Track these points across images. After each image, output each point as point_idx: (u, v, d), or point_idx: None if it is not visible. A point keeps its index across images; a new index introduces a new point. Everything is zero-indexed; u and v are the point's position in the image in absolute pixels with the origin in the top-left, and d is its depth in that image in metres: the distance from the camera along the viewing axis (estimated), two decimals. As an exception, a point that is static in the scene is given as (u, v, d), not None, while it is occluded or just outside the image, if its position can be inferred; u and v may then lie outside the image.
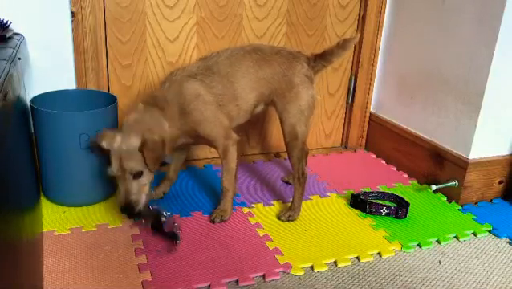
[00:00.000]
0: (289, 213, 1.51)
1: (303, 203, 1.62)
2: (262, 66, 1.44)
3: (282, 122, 1.48)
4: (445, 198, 1.71)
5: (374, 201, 1.59)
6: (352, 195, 1.60)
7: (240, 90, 1.42)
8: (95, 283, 1.16)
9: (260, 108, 1.52)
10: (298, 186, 1.50)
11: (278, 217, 1.51)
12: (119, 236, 1.36)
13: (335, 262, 1.31)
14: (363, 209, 1.56)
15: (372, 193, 1.67)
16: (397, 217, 1.54)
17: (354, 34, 1.41)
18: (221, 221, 1.46)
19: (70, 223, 1.41)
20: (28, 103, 1.43)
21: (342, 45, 1.42)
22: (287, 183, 1.76)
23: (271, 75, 1.44)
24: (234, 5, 1.74)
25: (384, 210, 1.54)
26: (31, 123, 1.44)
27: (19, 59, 1.17)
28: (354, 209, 1.59)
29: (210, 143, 1.45)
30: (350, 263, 1.31)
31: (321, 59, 1.47)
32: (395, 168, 1.96)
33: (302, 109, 1.45)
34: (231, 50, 1.45)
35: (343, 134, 2.15)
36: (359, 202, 1.57)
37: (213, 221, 1.46)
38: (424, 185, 1.80)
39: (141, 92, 1.73)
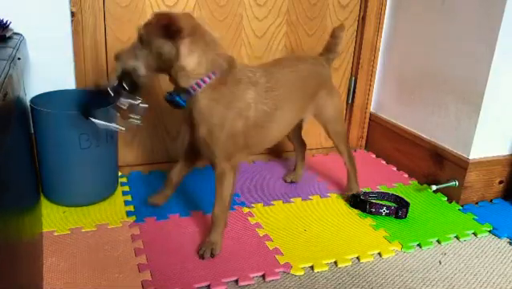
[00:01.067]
0: (348, 191, 1.65)
1: (303, 203, 1.62)
2: (303, 86, 1.45)
3: (325, 124, 1.57)
4: (445, 198, 1.71)
5: (374, 201, 1.59)
6: (353, 195, 1.60)
7: (279, 116, 1.34)
8: (94, 283, 1.16)
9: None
10: (351, 165, 1.65)
11: (346, 195, 1.64)
12: (119, 236, 1.36)
13: (335, 262, 1.31)
14: (363, 210, 1.56)
15: (372, 193, 1.67)
16: (397, 217, 1.54)
17: (340, 24, 1.57)
18: (212, 255, 1.27)
19: (70, 223, 1.41)
20: (28, 103, 1.43)
21: (333, 34, 1.54)
22: (291, 182, 1.77)
23: (311, 89, 1.48)
24: (234, 5, 1.74)
25: (384, 210, 1.54)
26: (31, 123, 1.44)
27: (19, 58, 1.17)
28: (354, 209, 1.59)
29: (209, 157, 1.28)
30: (350, 263, 1.31)
31: (329, 54, 1.56)
32: (395, 168, 1.96)
33: (341, 107, 1.57)
34: (275, 65, 1.40)
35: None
36: (359, 202, 1.57)
37: (201, 257, 1.27)
38: (425, 185, 1.80)
39: (141, 92, 1.73)
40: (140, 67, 1.20)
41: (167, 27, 1.13)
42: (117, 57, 1.24)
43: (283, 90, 1.34)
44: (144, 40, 1.18)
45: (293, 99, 1.39)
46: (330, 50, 1.55)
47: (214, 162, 1.27)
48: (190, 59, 1.18)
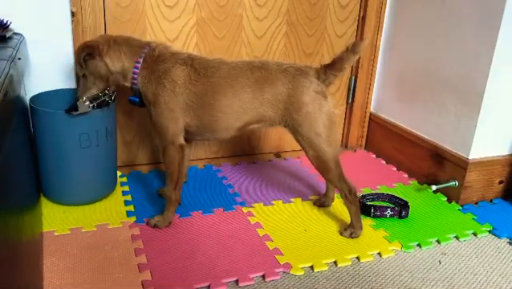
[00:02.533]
0: (350, 230, 1.43)
1: (303, 203, 1.62)
2: (262, 86, 1.33)
3: (302, 147, 1.38)
4: (445, 198, 1.71)
5: (378, 204, 1.59)
6: None
7: (224, 105, 1.34)
8: (94, 283, 1.16)
9: (256, 127, 1.41)
10: (349, 205, 1.41)
11: (341, 233, 1.44)
12: (119, 236, 1.36)
13: (335, 262, 1.31)
14: (367, 214, 1.54)
15: (369, 195, 1.65)
16: (401, 217, 1.54)
17: (365, 36, 1.29)
18: (154, 226, 1.41)
19: (70, 223, 1.41)
20: (28, 102, 1.43)
21: (351, 49, 1.29)
22: (320, 206, 1.61)
23: (273, 96, 1.33)
24: (234, 5, 1.74)
25: (388, 212, 1.53)
26: (31, 123, 1.44)
27: (19, 58, 1.17)
28: (354, 209, 1.59)
29: (157, 133, 1.40)
30: (350, 263, 1.31)
31: (332, 69, 1.32)
32: (395, 168, 1.96)
33: (318, 131, 1.33)
34: (238, 62, 1.38)
35: (343, 134, 2.15)
36: (362, 207, 1.53)
37: (148, 223, 1.42)
38: (425, 185, 1.80)
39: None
40: (96, 92, 1.41)
41: (89, 52, 1.35)
42: (78, 97, 1.42)
43: (223, 81, 1.34)
44: (84, 72, 1.38)
45: (240, 95, 1.34)
46: (337, 67, 1.32)
47: (160, 140, 1.39)
48: (116, 63, 1.37)
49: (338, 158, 1.39)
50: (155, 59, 1.36)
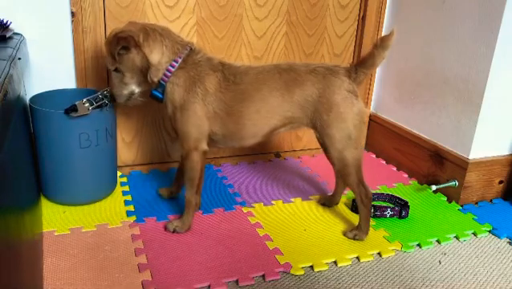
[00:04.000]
0: (355, 232, 1.41)
1: (303, 203, 1.62)
2: (291, 88, 1.30)
3: (326, 148, 1.35)
4: (445, 198, 1.71)
5: (378, 204, 1.59)
6: (353, 200, 1.58)
7: (252, 112, 1.30)
8: (94, 283, 1.16)
9: (283, 130, 1.38)
10: (362, 208, 1.38)
11: (344, 233, 1.43)
12: (119, 236, 1.36)
13: (335, 262, 1.31)
14: None
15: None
16: (401, 217, 1.54)
17: (391, 30, 1.24)
18: (174, 231, 1.38)
19: (70, 223, 1.41)
20: (28, 102, 1.43)
21: (381, 44, 1.26)
22: (323, 205, 1.62)
23: (303, 98, 1.30)
24: (234, 5, 1.74)
25: (388, 212, 1.54)
26: (31, 122, 1.44)
27: (19, 58, 1.17)
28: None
29: (179, 137, 1.37)
30: (350, 263, 1.31)
31: (362, 67, 1.30)
32: (395, 168, 1.96)
33: (349, 131, 1.29)
34: (265, 67, 1.35)
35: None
36: None
37: (165, 228, 1.40)
38: (424, 185, 1.80)
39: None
40: (135, 88, 1.37)
41: (125, 45, 1.27)
42: (112, 92, 1.39)
43: (251, 87, 1.31)
44: (118, 65, 1.31)
45: (269, 99, 1.31)
46: (368, 64, 1.29)
47: (182, 145, 1.35)
48: (155, 55, 1.29)
49: (360, 162, 1.35)
50: (195, 62, 1.31)
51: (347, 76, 1.31)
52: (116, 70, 1.33)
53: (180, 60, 1.30)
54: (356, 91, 1.31)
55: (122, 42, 1.26)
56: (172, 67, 1.29)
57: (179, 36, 1.35)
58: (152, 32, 1.29)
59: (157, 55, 1.29)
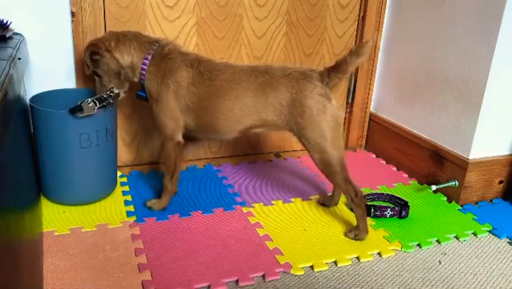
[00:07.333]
0: (356, 232, 1.42)
1: (303, 203, 1.62)
2: (265, 90, 1.33)
3: (307, 150, 1.38)
4: (445, 198, 1.71)
5: (378, 204, 1.59)
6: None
7: (225, 108, 1.36)
8: (94, 283, 1.16)
9: (259, 131, 1.42)
10: (355, 207, 1.40)
11: (345, 234, 1.43)
12: (119, 236, 1.36)
13: (335, 262, 1.31)
14: (367, 214, 1.53)
15: (369, 195, 1.65)
16: (401, 217, 1.54)
17: (367, 39, 1.24)
18: (149, 208, 1.51)
19: (70, 223, 1.41)
20: (28, 102, 1.43)
21: (355, 51, 1.26)
22: (323, 205, 1.62)
23: (277, 101, 1.33)
24: (234, 5, 1.74)
25: (388, 212, 1.54)
26: (31, 122, 1.44)
27: (19, 58, 1.17)
28: (354, 209, 1.59)
29: (157, 128, 1.47)
30: (350, 263, 1.31)
31: (335, 72, 1.30)
32: (395, 169, 1.96)
33: (323, 133, 1.32)
34: (243, 66, 1.39)
35: (343, 134, 2.15)
36: None
37: (144, 204, 1.53)
38: (424, 185, 1.80)
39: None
40: (116, 90, 1.45)
41: (93, 51, 1.37)
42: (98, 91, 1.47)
43: (226, 85, 1.35)
44: (95, 70, 1.41)
45: (242, 99, 1.35)
46: (341, 70, 1.30)
47: (160, 134, 1.45)
48: (126, 57, 1.39)
49: (343, 161, 1.37)
50: (163, 56, 1.38)
51: (320, 81, 1.32)
52: (96, 74, 1.43)
53: (149, 57, 1.38)
54: (329, 95, 1.33)
55: (91, 48, 1.38)
56: (145, 64, 1.39)
57: (147, 36, 1.44)
58: (122, 38, 1.39)
59: (127, 57, 1.39)
